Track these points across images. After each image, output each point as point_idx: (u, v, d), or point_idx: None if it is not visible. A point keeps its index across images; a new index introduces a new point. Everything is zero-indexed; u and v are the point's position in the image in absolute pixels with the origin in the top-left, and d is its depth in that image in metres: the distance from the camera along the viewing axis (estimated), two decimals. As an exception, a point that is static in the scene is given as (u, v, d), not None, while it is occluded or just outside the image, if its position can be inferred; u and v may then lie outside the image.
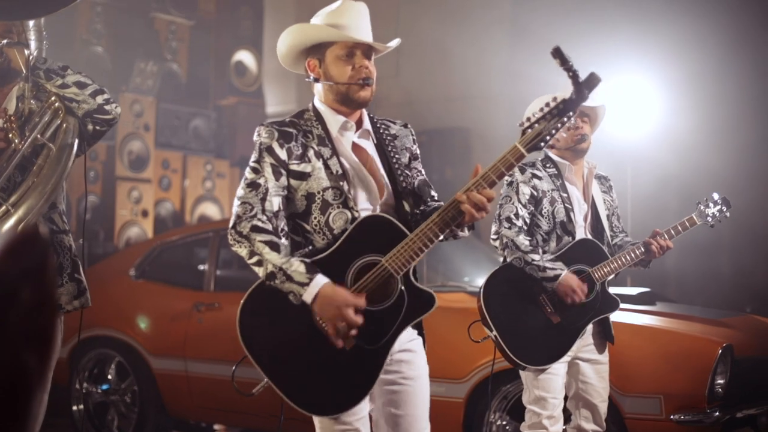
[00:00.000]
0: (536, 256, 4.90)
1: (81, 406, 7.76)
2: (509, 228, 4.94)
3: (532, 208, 5.03)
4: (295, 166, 3.61)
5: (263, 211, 3.53)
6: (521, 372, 5.00)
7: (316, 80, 3.71)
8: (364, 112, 3.81)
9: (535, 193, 5.03)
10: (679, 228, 5.12)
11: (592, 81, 3.36)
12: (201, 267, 7.77)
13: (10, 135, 3.82)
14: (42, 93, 3.98)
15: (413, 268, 3.59)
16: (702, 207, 5.22)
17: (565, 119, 3.38)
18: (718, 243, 9.81)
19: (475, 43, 11.08)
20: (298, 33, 3.68)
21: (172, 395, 7.44)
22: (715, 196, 5.25)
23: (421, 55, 11.55)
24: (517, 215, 4.97)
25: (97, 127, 4.07)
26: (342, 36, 3.62)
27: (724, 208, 5.25)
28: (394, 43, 3.81)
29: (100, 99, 3.98)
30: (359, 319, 3.38)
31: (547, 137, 3.39)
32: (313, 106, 3.76)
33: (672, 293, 9.62)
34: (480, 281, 5.78)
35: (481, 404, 5.85)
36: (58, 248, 4.09)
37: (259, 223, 3.51)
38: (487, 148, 10.80)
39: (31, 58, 3.88)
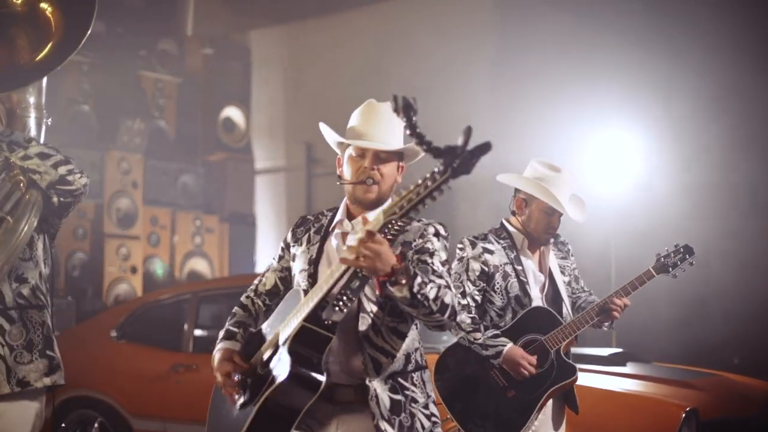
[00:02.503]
0: (478, 335, 4.82)
1: (64, 466, 7.80)
2: None
3: (483, 284, 4.93)
4: (292, 248, 3.85)
5: (256, 287, 3.93)
6: None
7: (339, 178, 3.79)
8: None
9: (486, 269, 4.92)
10: (636, 283, 4.95)
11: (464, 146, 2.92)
12: (185, 326, 7.83)
13: None
14: (5, 165, 3.91)
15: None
16: (662, 259, 5.03)
17: (422, 191, 3.00)
18: (706, 294, 9.89)
19: (456, 97, 11.18)
20: (324, 131, 3.85)
21: (153, 456, 7.49)
22: (676, 245, 5.06)
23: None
24: (463, 294, 4.87)
25: (62, 199, 3.96)
26: (346, 141, 3.74)
27: (687, 256, 5.03)
28: (399, 145, 3.73)
29: (62, 170, 3.88)
30: (228, 368, 3.64)
31: (404, 204, 3.05)
32: (345, 202, 3.83)
33: (664, 344, 9.65)
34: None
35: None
36: (28, 324, 3.96)
37: (244, 299, 3.93)
38: (470, 192, 10.88)
39: None
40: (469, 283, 4.91)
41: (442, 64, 11.49)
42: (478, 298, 4.93)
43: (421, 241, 3.64)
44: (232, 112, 13.16)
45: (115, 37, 11.35)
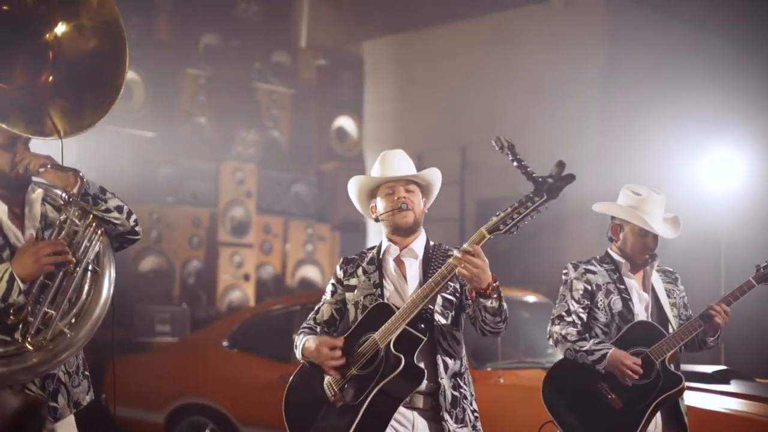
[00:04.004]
0: (584, 343, 4.94)
1: (177, 471, 8.04)
2: (558, 324, 5.05)
3: (588, 302, 5.08)
4: (346, 281, 4.53)
5: (314, 319, 4.63)
6: None
7: (376, 220, 4.51)
8: (419, 239, 4.49)
9: (589, 287, 5.07)
10: (737, 293, 4.97)
11: (556, 171, 3.83)
12: (292, 337, 7.98)
13: (71, 257, 3.75)
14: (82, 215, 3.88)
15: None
16: (762, 269, 5.01)
17: (525, 208, 3.87)
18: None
19: (567, 109, 11.16)
20: (353, 184, 4.56)
21: (263, 462, 7.66)
22: None
23: (515, 120, 11.67)
24: (568, 312, 5.05)
25: (124, 245, 4.07)
26: (377, 179, 4.46)
27: None
28: (415, 172, 4.47)
29: (132, 220, 3.97)
30: (332, 354, 4.24)
31: (508, 221, 3.89)
32: (381, 242, 4.55)
33: (756, 358, 9.49)
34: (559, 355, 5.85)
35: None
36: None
37: (306, 330, 4.62)
38: (580, 216, 10.84)
39: (83, 180, 3.79)
40: (573, 302, 5.09)
41: (553, 75, 11.47)
42: (584, 316, 5.08)
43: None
44: (345, 122, 13.35)
45: (231, 50, 11.63)
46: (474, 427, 4.32)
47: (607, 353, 4.88)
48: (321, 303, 4.59)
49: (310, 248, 12.60)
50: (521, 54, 11.92)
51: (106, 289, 3.85)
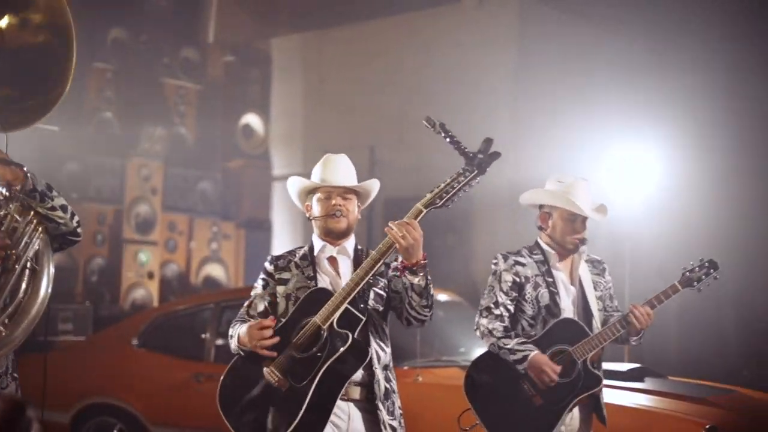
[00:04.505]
0: (508, 341, 4.99)
1: (82, 473, 7.87)
2: (486, 317, 5.09)
3: (516, 295, 5.11)
4: (278, 275, 4.56)
5: (247, 312, 4.55)
6: None
7: (309, 219, 4.61)
8: (350, 241, 4.59)
9: (518, 279, 5.10)
10: (662, 297, 5.04)
11: (484, 146, 4.06)
12: (203, 336, 7.89)
13: (11, 253, 3.73)
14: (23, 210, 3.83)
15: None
16: (688, 273, 5.11)
17: (458, 183, 4.06)
18: (716, 307, 9.92)
19: (477, 109, 11.24)
20: (291, 184, 4.64)
21: (171, 464, 7.55)
22: (701, 259, 5.13)
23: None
24: (496, 304, 5.09)
25: (63, 246, 4.03)
26: (315, 184, 4.54)
27: (712, 271, 5.11)
28: (354, 180, 4.57)
29: (74, 221, 3.94)
30: (264, 333, 4.28)
31: (443, 195, 4.06)
32: (311, 242, 4.63)
33: (672, 360, 9.70)
34: (476, 353, 5.88)
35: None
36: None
37: (239, 323, 4.52)
38: (490, 213, 10.93)
39: (29, 177, 3.75)
40: (501, 294, 5.12)
41: (463, 75, 11.55)
42: (511, 308, 5.12)
43: (395, 263, 4.40)
44: (251, 119, 13.25)
45: (139, 44, 11.45)
46: (400, 423, 4.41)
47: (528, 356, 4.93)
48: (252, 297, 4.58)
49: (215, 246, 12.49)
50: (433, 53, 11.98)
51: (44, 287, 3.79)
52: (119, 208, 11.29)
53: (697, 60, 10.33)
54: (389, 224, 4.11)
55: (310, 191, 4.60)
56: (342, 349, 4.17)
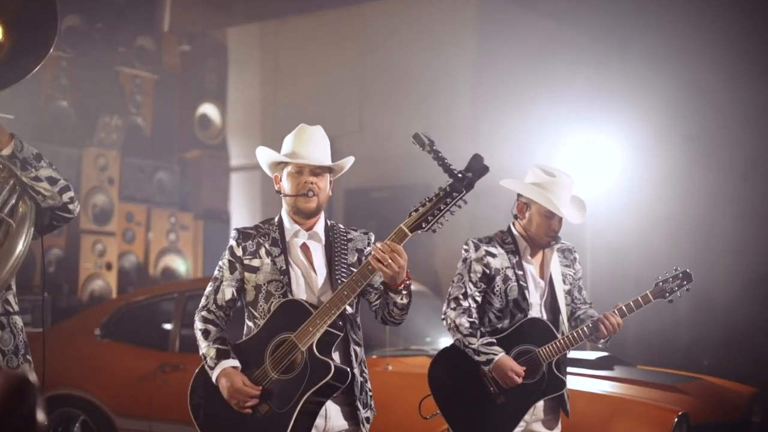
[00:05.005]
0: (473, 340, 4.97)
1: (44, 466, 7.77)
2: (454, 309, 5.06)
3: (484, 286, 5.10)
4: (247, 261, 4.36)
5: (215, 300, 4.41)
6: None
7: (278, 192, 4.43)
8: (320, 221, 4.45)
9: (488, 271, 5.08)
10: (632, 306, 5.04)
11: (474, 164, 3.91)
12: (166, 326, 7.82)
13: None
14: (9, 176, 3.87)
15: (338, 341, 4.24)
16: (661, 284, 5.10)
17: (445, 204, 3.91)
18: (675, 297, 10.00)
19: (437, 99, 11.24)
20: (260, 154, 4.46)
21: (136, 455, 7.49)
22: (675, 270, 5.13)
23: (384, 110, 11.70)
24: (465, 295, 5.07)
25: (54, 222, 4.08)
26: (285, 160, 4.34)
27: (685, 283, 5.12)
28: (328, 158, 4.41)
29: (66, 197, 3.97)
30: (250, 401, 4.14)
31: (429, 218, 3.93)
32: (279, 216, 4.46)
33: (630, 347, 9.77)
34: (442, 342, 5.88)
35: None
36: (14, 329, 4.04)
37: (206, 314, 4.41)
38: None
39: (13, 142, 3.79)
40: (470, 284, 5.10)
41: (422, 65, 11.53)
42: (479, 299, 5.11)
43: (369, 249, 4.40)
44: (208, 109, 13.14)
45: (94, 32, 11.28)
46: (371, 408, 4.43)
47: (493, 359, 4.94)
48: (218, 281, 4.42)
49: (173, 237, 12.36)
50: (391, 43, 11.94)
51: (20, 246, 3.76)
52: (75, 197, 11.13)
53: (658, 50, 10.40)
54: (373, 248, 4.01)
55: (281, 162, 4.41)
56: (324, 380, 4.08)
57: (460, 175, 3.87)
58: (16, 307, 4.09)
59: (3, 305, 3.99)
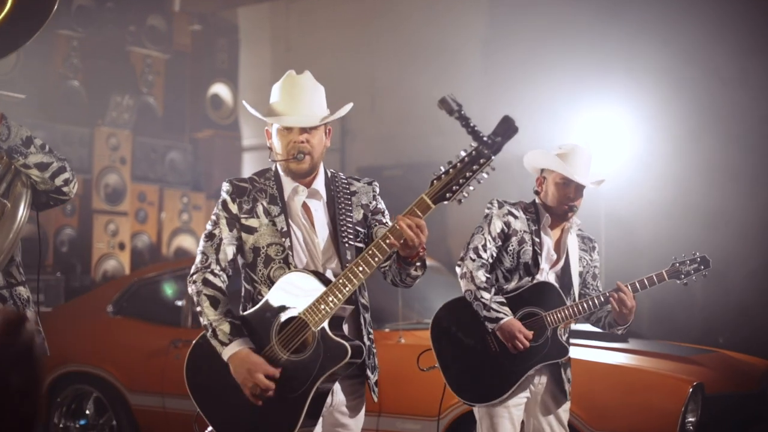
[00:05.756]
0: (486, 294, 4.91)
1: (59, 442, 7.79)
2: (474, 260, 4.98)
3: (500, 243, 5.05)
4: (244, 220, 3.98)
5: (217, 261, 3.97)
6: (474, 409, 5.05)
7: (269, 150, 4.07)
8: (320, 172, 4.08)
9: (506, 229, 5.04)
10: (646, 282, 4.97)
11: (503, 127, 3.47)
12: (178, 303, 7.81)
13: None
14: None
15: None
16: (678, 265, 5.03)
17: (471, 171, 3.49)
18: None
19: (449, 79, 11.19)
20: (249, 110, 4.11)
21: (150, 431, 7.47)
22: (694, 254, 5.05)
23: (395, 90, 11.66)
24: (485, 247, 5.00)
25: (51, 203, 4.04)
26: (272, 121, 3.99)
27: (702, 268, 5.04)
28: (323, 114, 4.01)
29: (59, 181, 3.88)
30: (269, 384, 3.76)
31: (454, 187, 3.51)
32: (275, 167, 4.09)
33: (645, 323, 9.72)
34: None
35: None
36: (18, 301, 4.02)
37: (210, 276, 3.96)
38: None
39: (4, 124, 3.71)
40: (490, 237, 5.02)
41: (433, 45, 11.48)
42: (495, 253, 5.05)
43: (374, 202, 4.11)
44: (220, 89, 13.11)
45: (105, 11, 11.26)
46: (377, 368, 4.17)
47: (502, 319, 4.87)
48: (218, 239, 3.98)
49: (186, 217, 12.36)
50: (402, 22, 11.90)
51: (15, 226, 3.77)
52: (88, 177, 11.13)
53: (676, 27, 10.31)
54: (398, 219, 3.55)
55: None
56: (339, 365, 3.74)
57: (487, 140, 3.43)
58: (22, 278, 4.06)
59: (5, 278, 3.98)
